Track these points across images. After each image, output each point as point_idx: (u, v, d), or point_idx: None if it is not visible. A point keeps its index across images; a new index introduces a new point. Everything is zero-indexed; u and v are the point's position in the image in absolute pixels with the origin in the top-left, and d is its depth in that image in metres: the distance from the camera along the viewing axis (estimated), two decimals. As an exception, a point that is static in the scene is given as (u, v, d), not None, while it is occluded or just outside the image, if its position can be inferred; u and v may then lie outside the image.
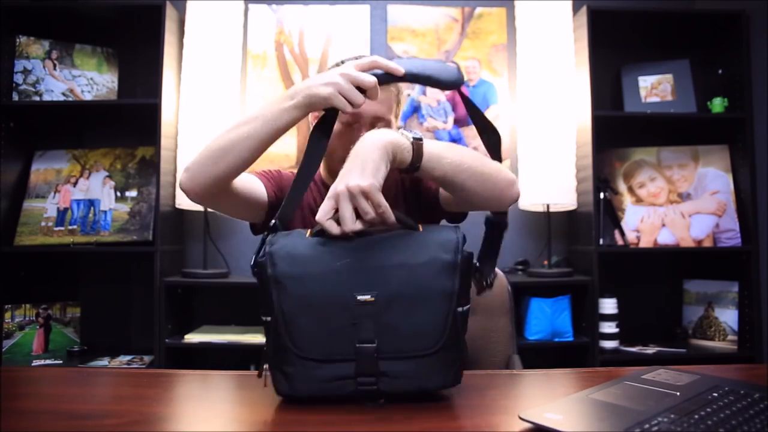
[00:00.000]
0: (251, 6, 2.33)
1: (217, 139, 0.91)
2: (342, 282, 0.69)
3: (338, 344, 0.68)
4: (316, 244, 0.72)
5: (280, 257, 0.70)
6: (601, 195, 2.15)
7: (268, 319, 0.70)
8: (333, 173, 1.07)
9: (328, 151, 1.05)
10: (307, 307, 0.68)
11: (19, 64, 2.10)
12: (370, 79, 0.81)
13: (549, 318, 2.04)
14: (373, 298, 0.68)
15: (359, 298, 0.68)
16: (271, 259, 0.70)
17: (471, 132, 2.35)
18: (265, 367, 0.73)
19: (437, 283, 0.69)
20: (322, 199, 1.07)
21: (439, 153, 0.84)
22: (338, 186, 0.73)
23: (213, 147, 0.90)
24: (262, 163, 2.29)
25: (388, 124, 1.06)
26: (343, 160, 0.99)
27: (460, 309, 0.70)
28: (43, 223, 2.08)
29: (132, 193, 2.13)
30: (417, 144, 0.81)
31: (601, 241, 2.10)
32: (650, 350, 2.07)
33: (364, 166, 0.75)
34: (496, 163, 0.92)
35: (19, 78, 2.09)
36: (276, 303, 0.69)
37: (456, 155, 0.86)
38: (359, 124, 1.03)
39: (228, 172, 0.91)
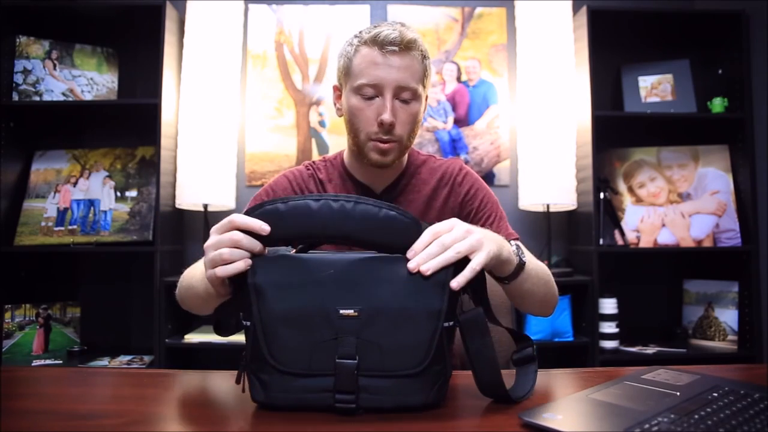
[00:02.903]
0: (251, 6, 2.33)
1: (182, 280, 0.95)
2: (324, 294, 0.66)
3: (318, 358, 0.65)
4: (298, 255, 0.70)
5: (260, 265, 0.68)
6: (601, 195, 2.15)
7: (248, 323, 0.68)
8: (358, 155, 1.02)
9: (352, 133, 1.02)
10: (287, 318, 0.66)
11: (19, 64, 2.10)
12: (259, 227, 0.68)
13: (549, 318, 2.03)
14: (356, 313, 0.65)
15: (342, 311, 0.65)
16: (252, 266, 0.68)
17: (471, 132, 2.35)
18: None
19: (424, 301, 0.66)
20: (345, 189, 1.07)
21: (536, 269, 0.88)
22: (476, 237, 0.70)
23: (180, 288, 0.96)
24: (263, 163, 2.29)
25: (414, 94, 0.98)
26: (368, 138, 0.99)
27: (446, 324, 0.67)
28: (43, 223, 2.08)
29: (132, 193, 2.13)
30: (520, 263, 0.83)
31: (601, 241, 2.10)
32: (650, 350, 2.07)
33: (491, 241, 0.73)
34: (553, 281, 0.94)
35: (19, 78, 2.09)
36: (255, 311, 0.67)
37: (542, 277, 0.90)
38: (381, 96, 0.97)
39: (200, 310, 0.93)
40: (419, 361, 0.66)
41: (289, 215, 0.68)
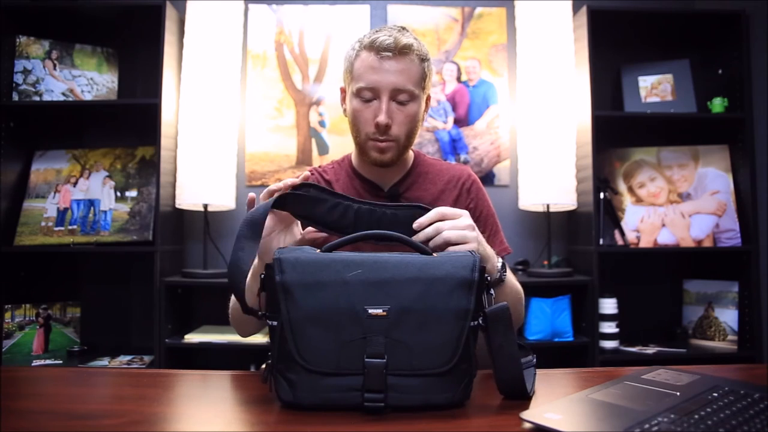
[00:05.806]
0: (251, 6, 2.33)
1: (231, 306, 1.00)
2: (353, 294, 0.67)
3: (346, 357, 0.66)
4: (326, 255, 0.70)
5: (288, 264, 0.68)
6: (601, 195, 2.15)
7: (274, 323, 0.68)
8: (362, 153, 1.07)
9: (354, 133, 1.06)
10: (315, 317, 0.66)
11: (19, 64, 2.10)
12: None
13: (549, 318, 2.04)
14: (384, 313, 0.66)
15: (371, 311, 0.66)
16: (280, 266, 0.68)
17: (470, 132, 2.35)
18: (263, 367, 0.72)
19: (452, 301, 0.68)
20: (352, 187, 1.11)
21: (511, 289, 0.98)
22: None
23: (230, 312, 1.01)
24: (263, 163, 2.29)
25: (411, 96, 1.01)
26: (367, 137, 1.04)
27: (472, 323, 0.69)
28: (43, 223, 2.08)
29: (132, 193, 2.13)
30: (500, 279, 0.94)
31: (601, 241, 2.10)
32: (650, 350, 2.07)
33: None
34: (522, 305, 1.04)
35: (19, 78, 2.09)
36: (283, 311, 0.67)
37: (513, 296, 0.99)
38: (379, 99, 1.01)
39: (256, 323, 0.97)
40: (447, 359, 0.67)
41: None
